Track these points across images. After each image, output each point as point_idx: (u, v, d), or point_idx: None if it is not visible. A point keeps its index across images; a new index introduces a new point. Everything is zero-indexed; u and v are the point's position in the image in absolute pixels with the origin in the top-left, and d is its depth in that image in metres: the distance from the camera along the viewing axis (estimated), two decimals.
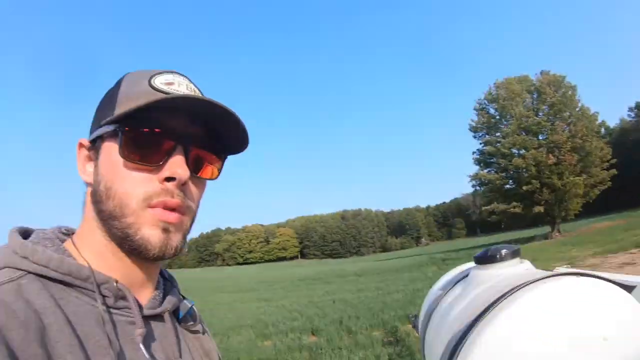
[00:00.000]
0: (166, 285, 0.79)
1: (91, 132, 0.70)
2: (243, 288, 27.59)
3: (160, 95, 0.63)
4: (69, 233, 0.74)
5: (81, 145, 0.70)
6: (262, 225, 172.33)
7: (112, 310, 0.64)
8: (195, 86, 0.72)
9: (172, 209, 0.65)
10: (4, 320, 0.53)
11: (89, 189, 0.69)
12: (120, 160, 0.64)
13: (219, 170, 0.74)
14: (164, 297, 0.75)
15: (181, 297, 0.80)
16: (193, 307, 0.80)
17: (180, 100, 0.63)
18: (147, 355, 0.63)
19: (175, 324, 0.76)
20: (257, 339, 10.20)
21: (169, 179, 0.64)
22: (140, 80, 0.68)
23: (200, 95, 0.69)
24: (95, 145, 0.68)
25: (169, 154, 0.65)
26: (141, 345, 0.63)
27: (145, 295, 0.72)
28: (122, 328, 0.64)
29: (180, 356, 0.71)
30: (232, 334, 10.93)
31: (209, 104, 0.64)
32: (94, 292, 0.63)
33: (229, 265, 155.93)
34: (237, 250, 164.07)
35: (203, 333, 0.84)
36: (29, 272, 0.61)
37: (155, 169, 0.64)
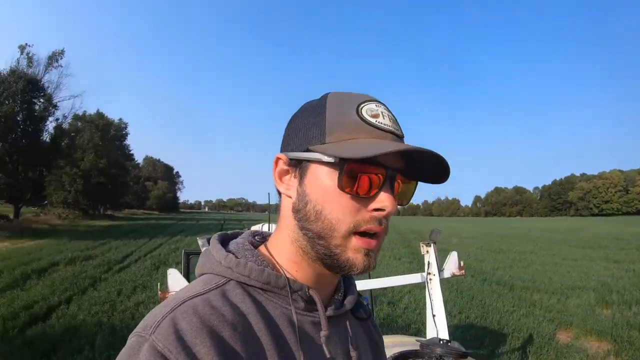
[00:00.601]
0: (345, 282, 0.87)
1: (287, 145, 0.76)
2: (593, 244, 25.15)
3: (382, 147, 0.66)
4: (263, 238, 0.84)
5: (279, 159, 0.75)
6: (620, 171, 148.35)
7: (302, 313, 0.73)
8: (393, 115, 0.75)
9: (375, 234, 0.71)
10: (216, 322, 0.63)
11: (290, 202, 0.75)
12: (333, 188, 0.68)
13: (412, 196, 0.78)
14: (344, 296, 0.84)
15: (357, 294, 0.88)
16: (368, 305, 0.96)
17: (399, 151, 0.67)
18: (328, 354, 0.72)
19: (352, 320, 0.85)
20: (597, 305, 9.56)
21: (377, 209, 0.69)
22: (347, 106, 0.72)
23: (400, 129, 0.74)
24: (300, 164, 0.73)
25: (380, 187, 0.69)
26: (324, 345, 0.72)
27: (330, 295, 0.81)
28: (310, 328, 0.73)
29: (355, 349, 0.80)
30: (571, 295, 10.56)
31: (424, 154, 0.68)
32: (288, 298, 0.72)
33: (582, 215, 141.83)
34: (593, 199, 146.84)
35: (371, 322, 0.94)
36: (231, 279, 0.71)
37: (366, 200, 0.69)
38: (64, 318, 8.11)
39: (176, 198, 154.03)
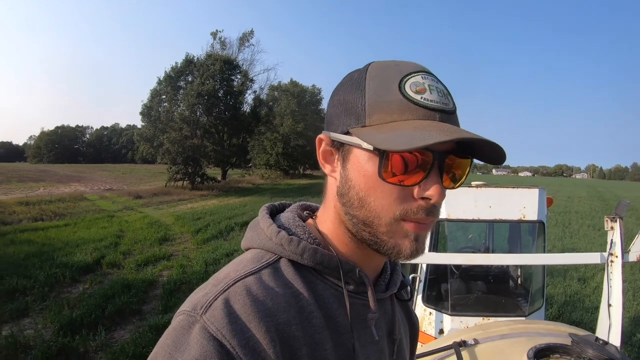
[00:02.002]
0: (391, 262, 0.84)
1: (331, 123, 0.71)
2: None
3: (424, 137, 0.58)
4: (311, 212, 0.82)
5: (321, 140, 0.72)
6: None
7: (352, 294, 0.71)
8: (443, 85, 0.67)
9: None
10: (270, 305, 0.60)
11: (335, 184, 0.71)
12: (376, 175, 0.64)
13: (466, 176, 0.70)
14: (390, 278, 0.81)
15: (402, 274, 0.85)
16: (409, 285, 0.87)
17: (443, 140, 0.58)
18: (376, 336, 0.71)
19: (395, 302, 0.84)
20: None
21: (424, 198, 0.64)
22: (389, 81, 0.65)
23: (451, 102, 0.66)
24: (343, 146, 0.69)
25: (427, 174, 0.63)
26: (372, 328, 0.71)
27: (377, 276, 0.79)
28: (359, 310, 0.71)
29: (396, 332, 0.81)
30: None
31: (473, 139, 0.61)
32: (339, 279, 0.70)
33: None
34: None
35: (410, 303, 0.94)
36: (281, 257, 0.69)
37: (412, 187, 0.64)
38: None
39: None
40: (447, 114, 0.65)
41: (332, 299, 0.69)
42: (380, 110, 0.64)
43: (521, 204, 3.79)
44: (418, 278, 3.99)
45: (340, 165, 0.70)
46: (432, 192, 0.63)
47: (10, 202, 19.38)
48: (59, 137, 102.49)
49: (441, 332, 3.65)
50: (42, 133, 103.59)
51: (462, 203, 3.84)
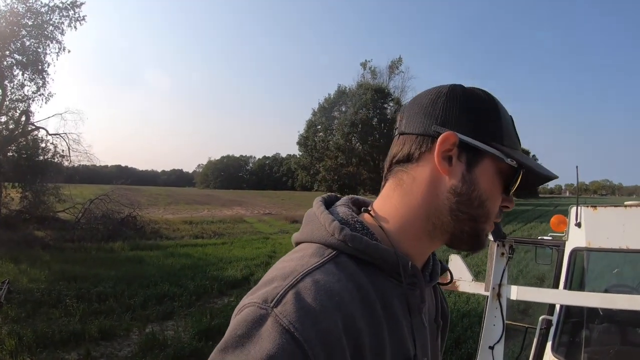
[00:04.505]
0: (432, 254, 0.87)
1: (453, 124, 0.75)
2: None
3: (548, 171, 0.79)
4: (365, 206, 0.83)
5: (450, 138, 0.73)
6: None
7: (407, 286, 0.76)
8: None
9: None
10: (338, 298, 0.63)
11: (444, 182, 0.75)
12: (499, 185, 0.77)
13: None
14: (433, 267, 0.86)
15: (439, 262, 0.89)
16: (448, 270, 0.92)
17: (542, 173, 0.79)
18: (426, 324, 0.80)
19: (437, 289, 0.93)
20: None
21: (505, 206, 0.81)
22: (508, 115, 0.80)
23: None
24: (471, 151, 0.75)
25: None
26: (423, 315, 0.79)
27: (424, 266, 0.84)
28: (412, 300, 0.76)
29: (439, 317, 0.90)
30: None
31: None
32: (396, 272, 0.73)
33: None
34: None
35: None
36: (342, 252, 0.71)
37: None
38: None
39: None
40: None
41: (389, 290, 0.73)
42: (509, 138, 0.77)
43: None
44: (551, 322, 3.19)
45: (464, 167, 0.75)
46: (513, 204, 0.82)
47: (176, 220, 22.01)
48: (224, 166, 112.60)
49: None
50: (210, 162, 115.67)
51: (608, 228, 3.05)
